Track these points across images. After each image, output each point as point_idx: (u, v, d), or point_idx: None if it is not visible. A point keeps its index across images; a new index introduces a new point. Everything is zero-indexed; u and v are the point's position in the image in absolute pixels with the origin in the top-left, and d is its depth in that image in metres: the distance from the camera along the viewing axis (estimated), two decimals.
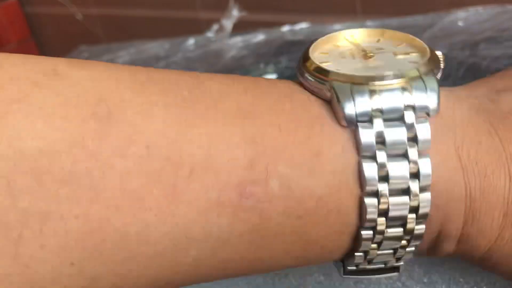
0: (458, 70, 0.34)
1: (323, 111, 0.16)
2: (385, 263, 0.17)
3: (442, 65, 0.17)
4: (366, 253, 0.16)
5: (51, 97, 0.13)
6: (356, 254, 0.16)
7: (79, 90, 0.14)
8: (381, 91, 0.15)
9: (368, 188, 0.15)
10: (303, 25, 0.49)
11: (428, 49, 0.17)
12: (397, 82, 0.15)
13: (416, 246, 0.16)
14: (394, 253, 0.17)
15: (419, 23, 0.44)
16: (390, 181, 0.15)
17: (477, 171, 0.16)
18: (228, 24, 0.48)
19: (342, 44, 0.18)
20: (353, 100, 0.15)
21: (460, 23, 0.42)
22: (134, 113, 0.14)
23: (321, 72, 0.16)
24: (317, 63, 0.16)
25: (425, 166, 0.15)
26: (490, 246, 0.17)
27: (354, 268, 0.17)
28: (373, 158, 0.15)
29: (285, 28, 0.49)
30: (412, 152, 0.15)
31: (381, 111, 0.15)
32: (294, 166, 0.15)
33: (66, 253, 0.13)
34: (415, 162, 0.15)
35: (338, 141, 0.15)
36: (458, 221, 0.16)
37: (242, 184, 0.14)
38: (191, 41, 0.51)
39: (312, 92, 0.16)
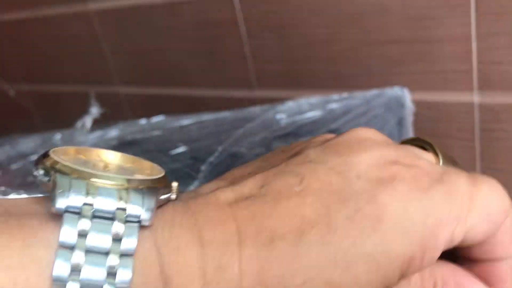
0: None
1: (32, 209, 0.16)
2: None
3: (173, 195, 0.17)
4: None
5: None
6: None
7: None
8: (98, 190, 0.15)
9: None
10: (159, 118, 0.53)
11: (163, 175, 0.18)
12: (116, 186, 0.16)
13: None
14: None
15: (250, 115, 0.48)
16: (81, 284, 0.15)
17: (171, 248, 0.16)
18: (88, 120, 0.53)
19: (90, 159, 0.18)
20: (68, 193, 0.15)
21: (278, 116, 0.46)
22: None
23: (50, 165, 0.16)
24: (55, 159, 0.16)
25: (124, 274, 0.15)
26: None
27: None
28: (69, 258, 0.15)
29: (143, 121, 0.53)
30: (112, 259, 0.15)
31: (92, 211, 0.15)
32: None
33: None
34: (113, 267, 0.15)
35: (21, 237, 0.15)
36: None
37: None
38: (58, 136, 0.55)
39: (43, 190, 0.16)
